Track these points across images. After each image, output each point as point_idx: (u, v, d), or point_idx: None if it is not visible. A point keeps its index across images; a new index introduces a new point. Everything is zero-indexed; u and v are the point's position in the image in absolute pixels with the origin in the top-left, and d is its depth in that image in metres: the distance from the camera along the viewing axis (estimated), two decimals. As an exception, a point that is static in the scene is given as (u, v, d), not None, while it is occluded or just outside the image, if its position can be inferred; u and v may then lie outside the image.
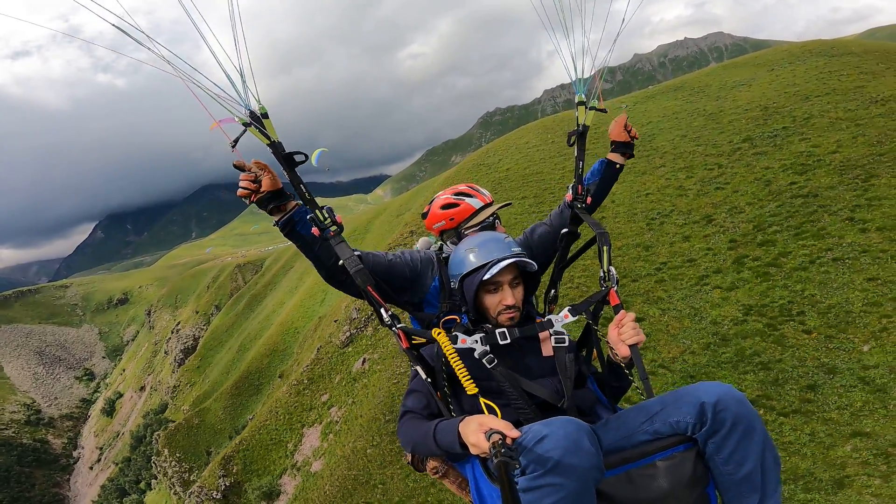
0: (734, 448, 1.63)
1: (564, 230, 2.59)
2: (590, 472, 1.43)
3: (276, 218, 2.10)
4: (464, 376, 1.89)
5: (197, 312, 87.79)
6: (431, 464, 2.07)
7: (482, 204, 2.64)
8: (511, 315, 2.10)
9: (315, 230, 2.09)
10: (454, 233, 2.65)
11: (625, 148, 2.58)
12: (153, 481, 47.88)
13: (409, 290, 2.47)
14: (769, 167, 15.74)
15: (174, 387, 65.94)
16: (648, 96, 27.08)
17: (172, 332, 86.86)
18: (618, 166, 2.61)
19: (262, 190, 2.01)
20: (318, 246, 2.14)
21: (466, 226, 2.63)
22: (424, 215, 2.78)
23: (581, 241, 2.66)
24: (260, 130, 1.93)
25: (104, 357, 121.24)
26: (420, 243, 2.75)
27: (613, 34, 2.28)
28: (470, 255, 2.15)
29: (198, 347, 70.50)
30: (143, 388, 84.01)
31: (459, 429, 1.64)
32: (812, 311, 10.73)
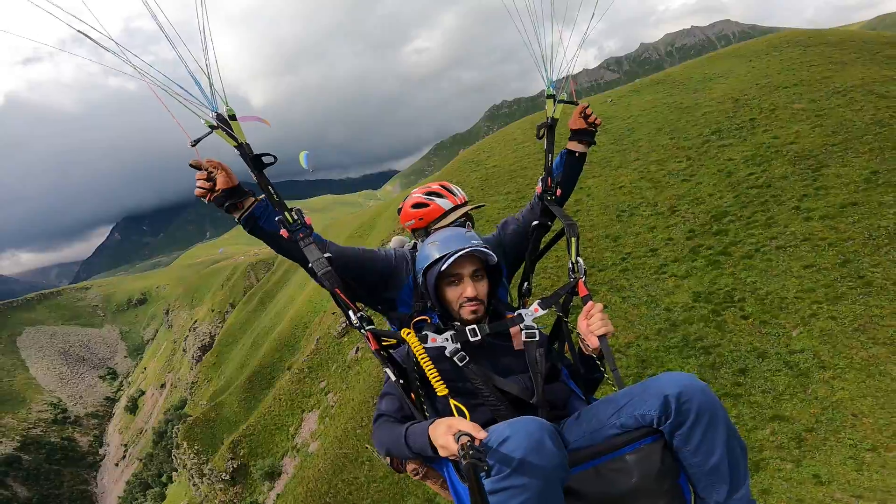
0: (700, 439, 1.64)
1: (535, 222, 2.60)
2: (554, 472, 1.43)
3: (236, 216, 2.08)
4: (434, 377, 1.87)
5: (212, 310, 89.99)
6: (411, 465, 2.05)
7: (452, 206, 2.66)
8: (473, 308, 2.10)
9: (284, 232, 2.06)
10: (423, 232, 2.68)
11: (583, 135, 2.55)
12: (174, 474, 50.13)
13: (382, 287, 2.45)
14: (731, 159, 16.53)
15: (192, 383, 68.23)
16: (633, 90, 27.71)
17: (190, 331, 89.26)
18: (577, 154, 2.59)
19: (217, 188, 2.00)
20: (285, 241, 2.11)
21: (436, 226, 2.64)
22: (399, 211, 2.81)
23: (552, 234, 2.70)
24: (227, 132, 1.90)
25: (126, 356, 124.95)
26: (393, 242, 2.74)
27: (584, 29, 2.30)
28: (431, 249, 2.16)
29: (214, 344, 72.63)
30: (163, 386, 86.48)
31: (429, 432, 1.65)
32: (751, 297, 11.59)
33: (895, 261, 10.17)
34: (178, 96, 1.76)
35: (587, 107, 2.51)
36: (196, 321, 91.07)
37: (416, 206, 2.68)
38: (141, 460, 67.15)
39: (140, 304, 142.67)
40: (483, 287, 2.14)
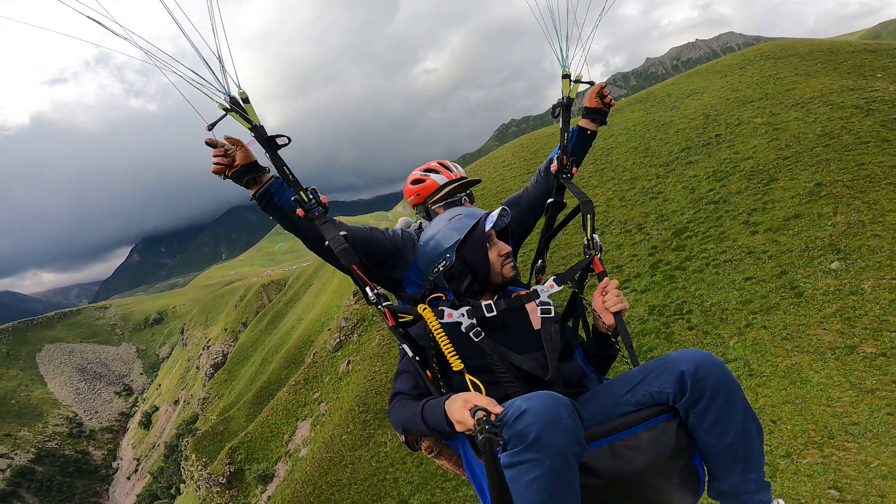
0: (716, 417, 1.63)
1: (550, 200, 2.62)
2: (569, 447, 1.42)
3: (253, 191, 2.13)
4: (450, 352, 1.89)
5: (225, 330, 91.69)
6: (426, 443, 2.08)
7: (447, 180, 2.71)
8: (511, 264, 2.15)
9: (300, 211, 2.10)
10: (423, 207, 2.76)
11: (596, 114, 2.57)
12: (182, 486, 51.09)
13: (389, 266, 2.49)
14: (695, 175, 17.39)
15: (204, 399, 69.60)
16: (616, 110, 28.67)
17: (203, 349, 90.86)
18: (589, 132, 2.62)
19: (235, 164, 2.06)
20: (298, 218, 2.15)
21: (432, 200, 2.71)
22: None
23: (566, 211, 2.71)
24: (241, 115, 1.95)
25: (142, 373, 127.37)
26: (400, 222, 2.79)
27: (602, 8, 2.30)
28: (453, 224, 2.16)
29: (226, 362, 74.26)
30: (177, 402, 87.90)
31: (445, 407, 1.65)
32: (697, 309, 12.35)
33: (827, 271, 10.90)
34: (192, 81, 1.83)
35: (604, 86, 2.54)
36: (209, 340, 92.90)
37: (414, 182, 2.78)
38: (152, 474, 68.32)
39: (156, 323, 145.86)
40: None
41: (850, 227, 11.27)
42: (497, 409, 1.45)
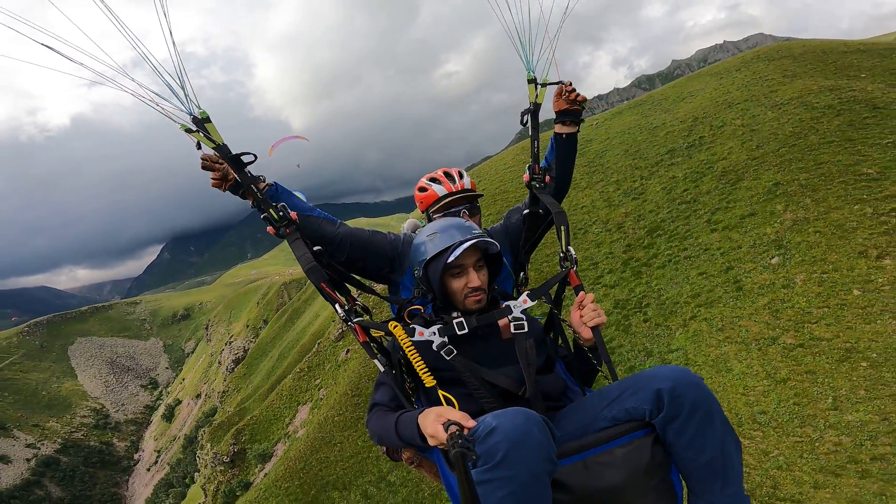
0: (693, 434, 1.65)
1: (525, 211, 2.62)
2: (540, 465, 1.43)
3: (251, 201, 2.20)
4: (421, 369, 1.91)
5: (247, 326, 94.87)
6: (406, 454, 2.12)
7: (445, 192, 2.72)
8: (478, 298, 2.10)
9: (270, 229, 2.17)
10: (426, 214, 2.82)
11: (566, 116, 2.50)
12: (196, 474, 53.83)
13: (388, 269, 2.54)
14: (675, 176, 18.24)
15: (223, 392, 72.68)
16: (615, 113, 29.53)
17: (226, 345, 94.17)
18: (564, 136, 2.55)
19: (229, 177, 2.17)
20: (304, 220, 2.25)
21: (432, 210, 2.75)
22: None
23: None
24: (204, 135, 2.02)
25: (167, 367, 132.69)
26: (407, 224, 2.93)
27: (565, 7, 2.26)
28: (430, 241, 2.15)
29: (246, 357, 77.18)
30: (199, 396, 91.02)
31: (418, 421, 1.67)
32: (654, 302, 13.29)
33: (766, 266, 11.76)
34: (155, 107, 1.90)
35: (568, 85, 2.47)
36: (232, 336, 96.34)
37: (419, 189, 2.82)
38: (170, 465, 71.57)
39: (183, 319, 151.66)
40: (484, 276, 2.15)
41: (796, 224, 12.09)
42: (470, 423, 1.48)
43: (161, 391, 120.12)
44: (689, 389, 1.66)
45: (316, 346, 27.38)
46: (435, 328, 2.02)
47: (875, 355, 8.46)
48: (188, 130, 2.01)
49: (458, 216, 2.60)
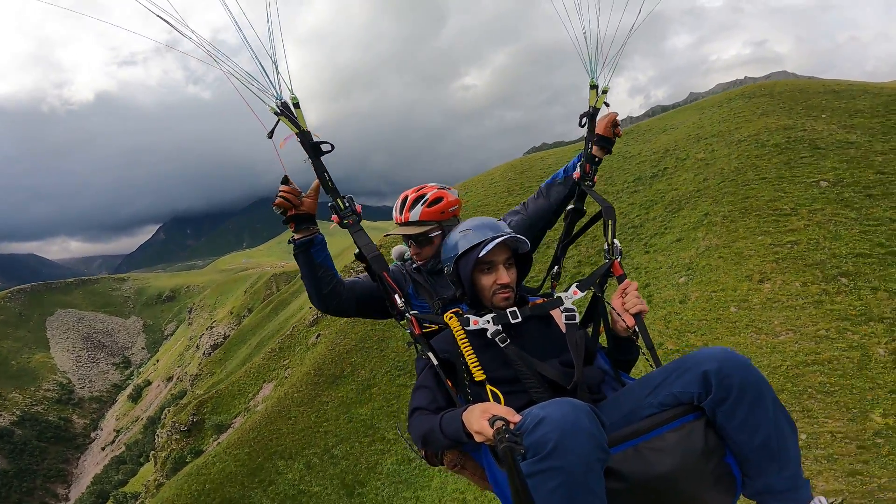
0: (745, 416, 1.64)
1: (570, 207, 2.77)
2: (591, 453, 1.45)
3: (299, 237, 2.28)
4: (473, 362, 1.98)
5: (231, 313, 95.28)
6: (448, 457, 2.17)
7: (394, 221, 2.73)
8: (506, 295, 2.16)
9: (335, 217, 2.25)
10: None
11: (605, 143, 2.66)
12: (152, 453, 54.86)
13: (390, 304, 2.48)
14: (633, 203, 20.15)
15: (196, 375, 73.52)
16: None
17: (207, 330, 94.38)
18: (597, 160, 2.70)
19: (302, 209, 2.24)
20: (322, 271, 2.33)
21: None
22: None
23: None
24: (290, 119, 2.08)
25: (143, 348, 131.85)
26: (394, 252, 2.95)
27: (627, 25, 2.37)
28: (463, 237, 2.22)
29: (224, 343, 77.92)
30: (170, 379, 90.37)
31: (463, 418, 1.70)
32: (583, 313, 15.07)
33: (675, 284, 13.55)
34: (247, 83, 1.97)
35: (616, 115, 2.66)
36: (214, 321, 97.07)
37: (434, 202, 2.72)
38: (126, 445, 71.70)
39: (168, 301, 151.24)
40: (513, 274, 2.22)
41: (707, 250, 13.94)
42: (515, 417, 1.50)
43: (133, 371, 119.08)
44: (736, 370, 1.66)
45: (290, 328, 29.17)
46: (489, 316, 2.08)
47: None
48: (276, 113, 2.08)
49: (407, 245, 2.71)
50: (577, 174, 2.70)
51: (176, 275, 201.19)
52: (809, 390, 9.18)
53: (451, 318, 2.11)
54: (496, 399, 1.92)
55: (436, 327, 2.26)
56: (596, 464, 1.46)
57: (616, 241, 2.37)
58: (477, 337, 2.07)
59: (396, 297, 2.22)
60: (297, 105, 2.08)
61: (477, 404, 1.68)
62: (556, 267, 2.77)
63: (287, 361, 26.10)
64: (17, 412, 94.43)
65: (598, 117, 2.62)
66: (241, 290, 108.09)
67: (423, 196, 2.67)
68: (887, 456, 7.34)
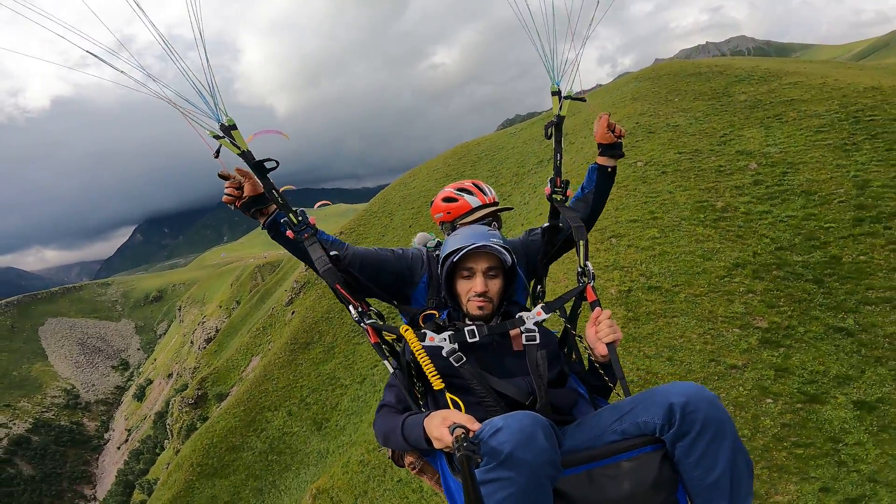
0: (703, 452, 1.67)
1: (545, 224, 2.72)
2: (542, 468, 1.48)
3: (262, 221, 2.35)
4: (430, 372, 2.00)
5: (220, 307, 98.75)
6: (409, 459, 2.20)
7: (479, 203, 2.87)
8: (480, 304, 2.21)
9: (289, 232, 2.28)
10: (450, 226, 2.94)
11: (612, 149, 2.60)
12: (166, 442, 60.37)
13: (400, 285, 2.66)
14: (533, 184, 25.46)
15: (194, 368, 78.46)
16: (530, 125, 36.55)
17: (198, 325, 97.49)
18: (609, 170, 2.65)
19: (244, 195, 2.28)
20: (302, 245, 2.32)
21: (461, 221, 2.89)
22: (430, 204, 3.11)
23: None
24: (231, 141, 2.14)
25: (139, 349, 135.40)
26: (417, 238, 2.95)
27: (589, 23, 2.32)
28: (451, 241, 2.32)
29: (217, 336, 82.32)
30: (170, 375, 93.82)
31: (424, 424, 1.77)
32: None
33: (609, 248, 17.37)
34: (185, 112, 2.03)
35: (609, 117, 2.58)
36: (205, 316, 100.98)
37: (446, 199, 2.95)
38: (140, 442, 76.48)
39: (156, 301, 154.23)
40: (495, 285, 2.24)
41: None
42: (475, 426, 1.54)
43: (132, 372, 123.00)
44: (702, 405, 1.68)
45: (271, 310, 34.91)
46: (446, 334, 2.12)
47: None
48: (216, 137, 2.14)
49: (489, 227, 2.65)
50: (547, 189, 2.65)
51: (160, 275, 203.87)
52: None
53: (407, 330, 2.10)
54: (456, 407, 1.98)
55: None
56: (545, 479, 1.51)
57: (589, 263, 2.35)
58: (435, 350, 2.10)
59: (351, 307, 2.25)
60: (234, 127, 2.14)
61: (439, 411, 1.77)
62: (538, 286, 2.76)
63: (270, 337, 31.94)
64: (30, 419, 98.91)
65: (595, 125, 2.59)
66: (227, 284, 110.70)
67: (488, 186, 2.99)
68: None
